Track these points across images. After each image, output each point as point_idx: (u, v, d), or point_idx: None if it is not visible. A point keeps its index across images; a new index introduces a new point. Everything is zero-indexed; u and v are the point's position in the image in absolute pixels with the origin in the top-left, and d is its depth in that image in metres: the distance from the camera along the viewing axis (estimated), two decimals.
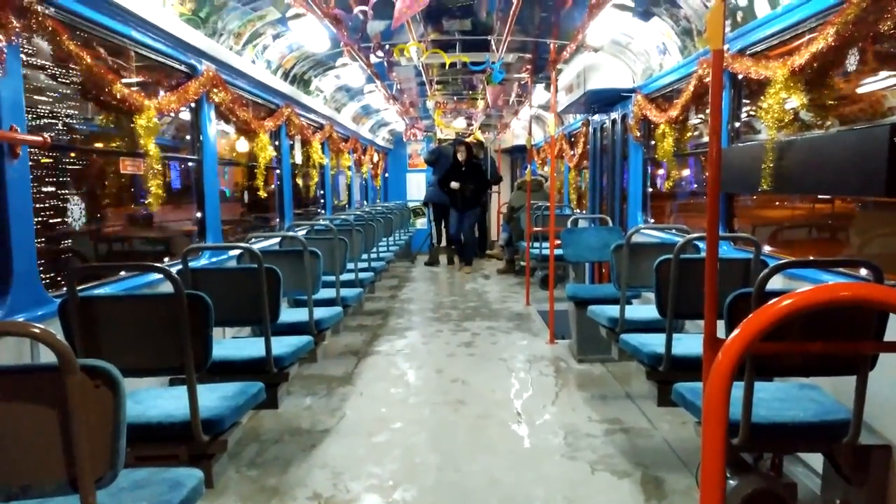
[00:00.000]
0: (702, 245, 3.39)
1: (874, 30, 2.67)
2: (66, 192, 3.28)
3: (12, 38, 2.48)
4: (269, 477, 3.32)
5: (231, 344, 3.68)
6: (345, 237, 5.41)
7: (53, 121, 3.23)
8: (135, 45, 3.64)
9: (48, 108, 3.16)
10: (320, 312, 4.24)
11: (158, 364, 2.50)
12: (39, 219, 2.91)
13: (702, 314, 2.23)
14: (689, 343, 3.33)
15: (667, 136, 5.17)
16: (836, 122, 3.28)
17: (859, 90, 3.21)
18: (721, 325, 2.27)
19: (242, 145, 5.76)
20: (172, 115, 4.09)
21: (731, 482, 2.32)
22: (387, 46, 5.99)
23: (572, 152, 9.09)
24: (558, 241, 5.86)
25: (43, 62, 2.96)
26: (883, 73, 3.04)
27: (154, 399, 2.70)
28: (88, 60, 2.94)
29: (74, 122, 3.54)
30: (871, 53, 2.95)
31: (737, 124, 4.14)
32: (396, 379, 5.02)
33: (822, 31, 2.88)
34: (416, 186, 14.15)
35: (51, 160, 3.17)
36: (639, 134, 6.03)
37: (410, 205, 13.66)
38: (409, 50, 5.81)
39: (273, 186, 6.46)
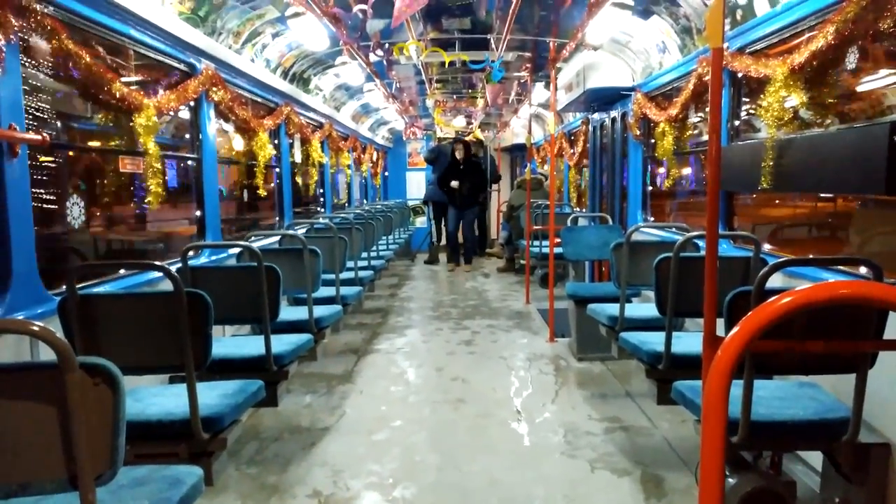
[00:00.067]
0: (701, 243, 3.40)
1: (874, 28, 2.67)
2: (56, 189, 3.27)
3: (11, 37, 2.47)
4: (269, 475, 3.32)
5: (231, 342, 3.68)
6: (344, 236, 5.41)
7: (51, 119, 3.23)
8: (134, 44, 3.63)
9: (46, 106, 3.16)
10: (320, 311, 4.23)
11: (158, 362, 2.50)
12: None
13: (701, 312, 2.23)
14: (688, 341, 3.33)
15: (666, 135, 5.17)
16: (835, 121, 3.28)
17: (859, 88, 3.21)
18: (721, 324, 2.27)
19: (238, 143, 5.75)
20: (171, 114, 4.08)
21: (730, 480, 2.32)
22: (386, 45, 5.98)
23: (572, 151, 9.09)
24: (558, 240, 5.86)
25: (42, 60, 2.95)
26: (883, 72, 3.04)
27: (154, 397, 2.70)
28: (87, 59, 2.93)
29: (73, 121, 3.54)
30: (871, 51, 2.95)
31: (736, 123, 4.14)
32: (396, 377, 5.02)
33: (822, 29, 2.88)
34: (416, 185, 14.15)
35: (49, 159, 3.17)
36: (638, 132, 6.03)
37: (410, 203, 13.66)
38: (408, 48, 5.80)
39: (272, 185, 6.45)
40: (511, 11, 4.76)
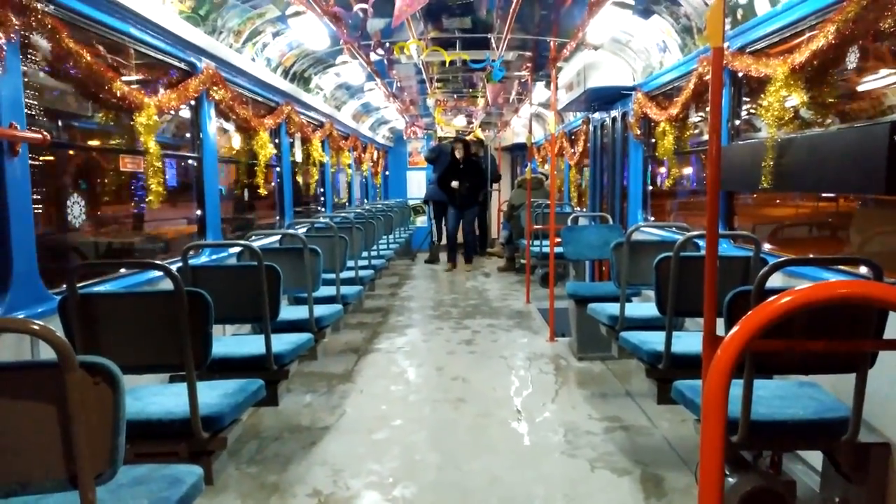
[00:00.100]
0: (702, 243, 3.39)
1: (874, 27, 2.67)
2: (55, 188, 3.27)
3: (12, 35, 2.47)
4: (269, 474, 3.33)
5: (231, 341, 3.68)
6: (345, 235, 5.41)
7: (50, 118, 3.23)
8: (134, 43, 3.63)
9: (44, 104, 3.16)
10: (320, 310, 4.24)
11: (158, 361, 2.50)
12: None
13: (701, 312, 2.23)
14: (688, 341, 3.33)
15: (667, 134, 5.17)
16: (836, 120, 3.28)
17: (860, 88, 3.20)
18: (721, 323, 2.27)
19: (236, 142, 5.74)
20: (171, 113, 4.09)
21: (729, 480, 2.32)
22: (387, 44, 5.98)
23: (573, 150, 9.09)
24: (558, 239, 5.86)
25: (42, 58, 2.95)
26: (883, 71, 3.03)
27: (154, 396, 2.70)
28: (88, 58, 2.93)
29: (73, 120, 3.54)
30: (872, 51, 2.95)
31: (737, 122, 4.14)
32: (396, 377, 5.02)
33: (823, 28, 2.87)
34: (417, 184, 14.15)
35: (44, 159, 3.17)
36: (639, 132, 6.03)
37: (411, 203, 13.66)
38: (409, 48, 5.80)
39: (273, 184, 6.45)
40: (512, 11, 4.76)
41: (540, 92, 8.65)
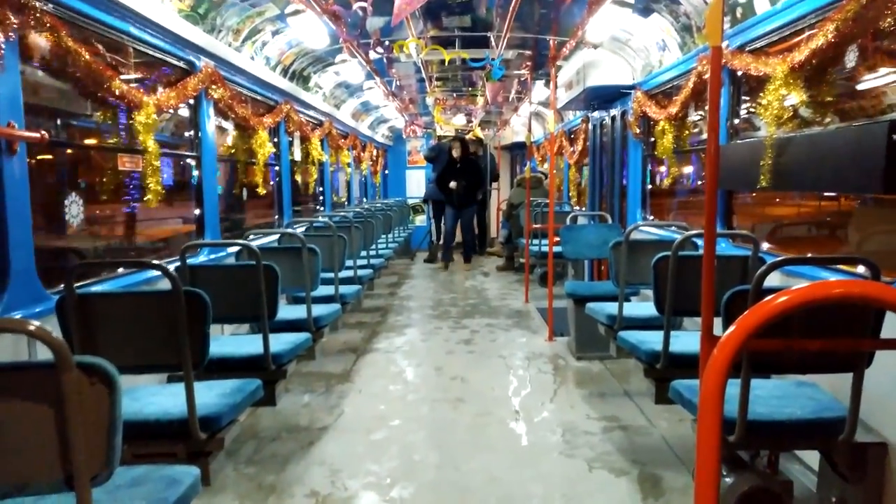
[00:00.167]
0: (700, 242, 3.39)
1: (874, 26, 2.66)
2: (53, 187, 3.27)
3: (10, 34, 2.47)
4: (267, 474, 3.32)
5: (229, 341, 3.68)
6: (344, 234, 5.40)
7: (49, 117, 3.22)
8: (133, 42, 3.63)
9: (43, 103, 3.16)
10: (319, 309, 4.23)
11: (156, 361, 2.50)
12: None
13: (700, 311, 2.23)
14: (686, 340, 3.33)
15: (666, 133, 5.17)
16: (835, 119, 3.28)
17: (859, 87, 3.20)
18: (718, 322, 2.27)
19: (236, 141, 5.71)
20: (170, 111, 4.08)
21: (726, 480, 2.33)
22: (386, 43, 5.98)
23: (572, 149, 9.08)
24: (557, 239, 5.85)
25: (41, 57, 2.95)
26: (882, 70, 3.03)
27: (151, 396, 2.70)
28: (86, 57, 2.93)
29: (71, 118, 3.54)
30: (871, 50, 2.94)
31: (736, 121, 4.14)
32: (395, 376, 5.02)
33: (822, 27, 2.87)
34: (416, 183, 14.14)
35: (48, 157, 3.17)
36: (638, 131, 6.02)
37: (410, 202, 13.65)
38: (408, 46, 5.79)
39: (272, 183, 6.44)
40: (511, 9, 4.75)
41: (539, 91, 8.64)
